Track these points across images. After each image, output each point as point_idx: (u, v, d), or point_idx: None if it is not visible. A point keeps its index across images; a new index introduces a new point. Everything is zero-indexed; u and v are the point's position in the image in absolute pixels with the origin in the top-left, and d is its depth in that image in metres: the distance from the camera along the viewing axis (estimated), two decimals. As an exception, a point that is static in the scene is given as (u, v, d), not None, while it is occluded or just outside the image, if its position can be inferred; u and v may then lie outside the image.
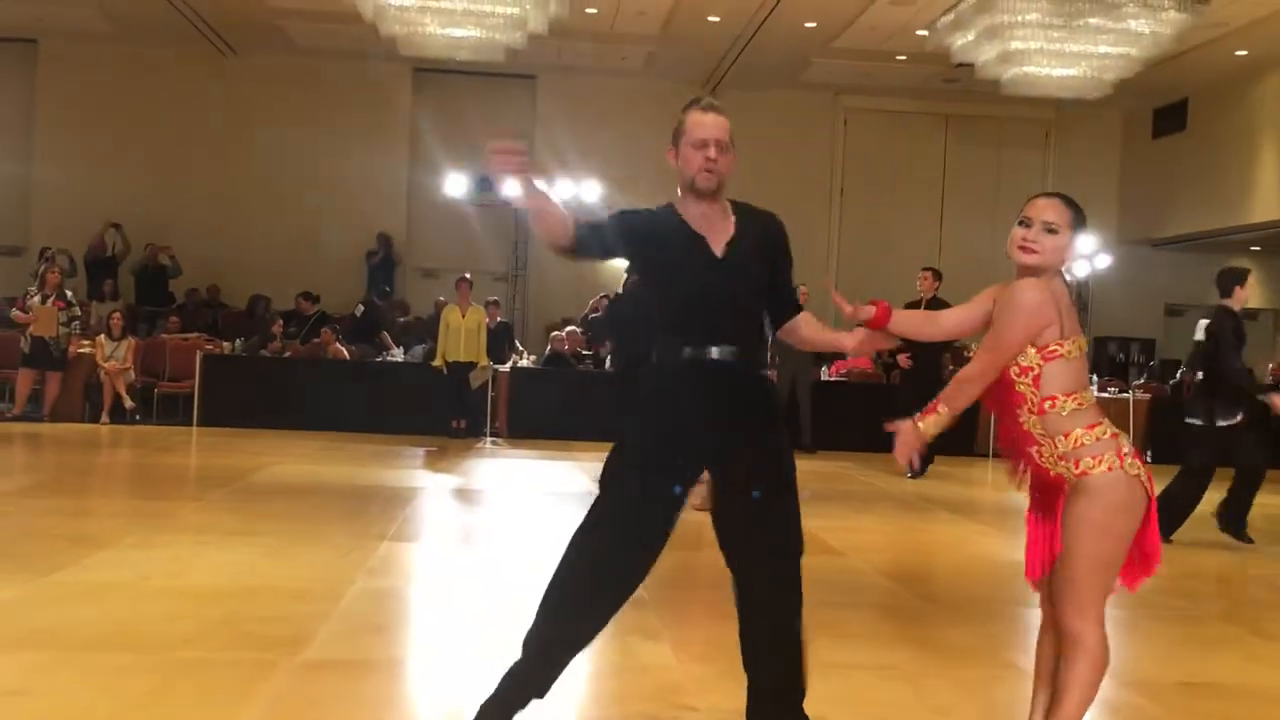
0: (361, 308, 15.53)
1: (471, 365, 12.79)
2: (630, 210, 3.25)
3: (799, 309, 3.32)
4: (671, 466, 3.10)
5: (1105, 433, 2.96)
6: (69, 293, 13.36)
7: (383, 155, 16.97)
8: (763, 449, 3.15)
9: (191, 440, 11.99)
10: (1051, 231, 2.94)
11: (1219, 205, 16.27)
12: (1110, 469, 2.90)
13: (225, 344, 14.18)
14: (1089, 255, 17.65)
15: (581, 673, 4.24)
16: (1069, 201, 3.00)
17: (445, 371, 12.77)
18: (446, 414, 12.85)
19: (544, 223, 3.08)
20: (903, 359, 11.23)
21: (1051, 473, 2.96)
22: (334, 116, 16.86)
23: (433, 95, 17.27)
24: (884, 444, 3.06)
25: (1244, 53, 14.81)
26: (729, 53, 15.78)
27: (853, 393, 13.79)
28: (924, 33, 13.98)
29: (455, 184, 16.14)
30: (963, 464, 12.25)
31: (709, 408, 3.10)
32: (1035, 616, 5.83)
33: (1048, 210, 2.96)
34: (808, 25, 14.50)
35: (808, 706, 3.24)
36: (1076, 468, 2.90)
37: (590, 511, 3.16)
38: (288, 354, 13.95)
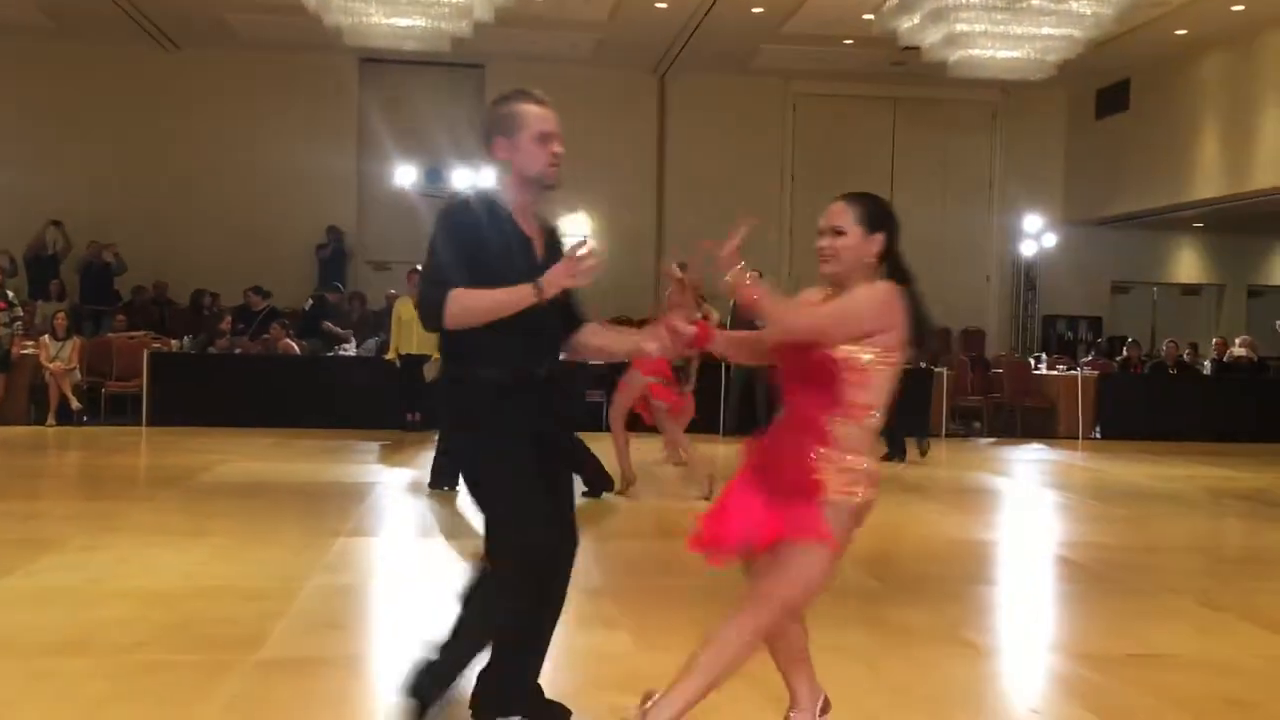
0: (311, 302, 15.38)
1: (425, 358, 12.66)
2: (457, 213, 3.17)
3: (585, 320, 3.34)
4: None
5: (870, 463, 2.90)
6: (10, 293, 13.11)
7: (331, 147, 16.80)
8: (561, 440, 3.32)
9: (141, 440, 11.83)
10: (839, 234, 2.95)
11: (1162, 183, 16.52)
12: (859, 498, 2.85)
13: (173, 341, 13.98)
14: (1035, 235, 17.90)
15: (544, 664, 4.24)
16: (856, 198, 3.01)
17: (399, 364, 12.68)
18: (401, 407, 12.78)
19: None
20: None
21: (808, 476, 2.83)
22: (280, 109, 16.66)
23: (380, 86, 17.12)
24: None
25: (1183, 32, 15.02)
26: (678, 39, 15.77)
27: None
28: (870, 17, 14.05)
29: (405, 175, 16.01)
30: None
31: (538, 421, 3.16)
32: (992, 595, 5.94)
33: (833, 215, 2.99)
34: (755, 11, 14.52)
35: (762, 690, 3.26)
36: (832, 482, 2.83)
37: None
38: (237, 350, 13.79)
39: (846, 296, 2.92)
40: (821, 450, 2.84)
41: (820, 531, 2.80)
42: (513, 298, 3.01)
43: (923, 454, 11.36)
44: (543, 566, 3.12)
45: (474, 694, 3.25)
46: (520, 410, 3.11)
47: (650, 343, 3.18)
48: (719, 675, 2.88)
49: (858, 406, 2.86)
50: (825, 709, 3.18)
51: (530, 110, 3.13)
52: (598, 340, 3.36)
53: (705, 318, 7.50)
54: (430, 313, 3.05)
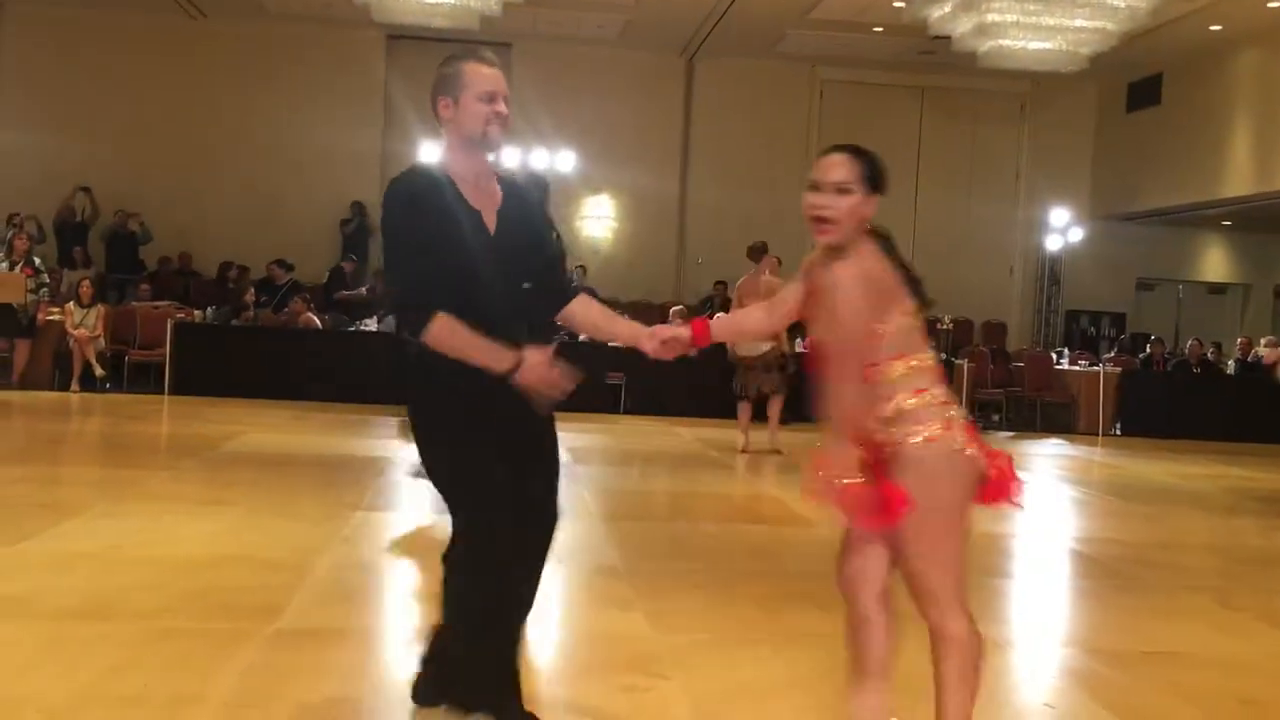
0: (328, 275, 15.47)
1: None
2: (410, 189, 2.95)
3: (574, 293, 3.17)
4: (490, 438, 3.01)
5: (934, 400, 2.70)
6: (37, 259, 13.20)
7: (356, 123, 16.83)
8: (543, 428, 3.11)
9: (162, 409, 11.91)
10: (844, 192, 2.64)
11: (1191, 180, 16.37)
12: (930, 440, 2.66)
13: (197, 312, 14.07)
14: (1061, 228, 17.78)
15: (557, 644, 4.26)
16: (858, 153, 2.70)
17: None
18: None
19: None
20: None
21: (876, 437, 2.72)
22: (307, 83, 16.69)
23: (407, 63, 17.10)
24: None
25: (1218, 28, 14.87)
26: (705, 22, 15.70)
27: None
28: (900, 4, 13.95)
29: (430, 153, 15.99)
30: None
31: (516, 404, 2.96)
32: (1007, 589, 5.93)
33: (836, 169, 2.66)
34: (784, -5, 14.46)
35: (775, 674, 3.26)
36: (897, 434, 2.68)
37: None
38: (259, 323, 13.86)
39: (838, 291, 2.63)
40: (861, 417, 2.71)
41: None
42: (488, 357, 2.84)
43: None
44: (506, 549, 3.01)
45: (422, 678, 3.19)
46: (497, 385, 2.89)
47: (647, 342, 3.07)
48: (972, 679, 2.92)
49: (868, 367, 2.68)
50: None
51: (474, 68, 2.99)
52: (588, 318, 3.19)
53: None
54: (412, 325, 2.87)
